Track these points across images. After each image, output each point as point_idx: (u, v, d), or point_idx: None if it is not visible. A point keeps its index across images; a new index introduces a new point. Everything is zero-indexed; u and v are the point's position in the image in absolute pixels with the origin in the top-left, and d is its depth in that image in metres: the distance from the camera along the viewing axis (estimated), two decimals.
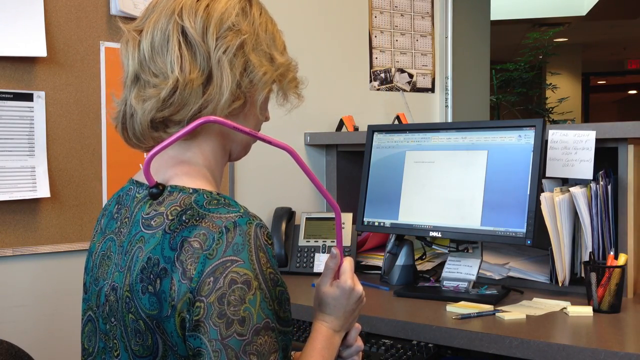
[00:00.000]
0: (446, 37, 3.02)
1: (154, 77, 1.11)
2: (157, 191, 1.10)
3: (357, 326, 1.26)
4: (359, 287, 1.21)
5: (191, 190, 1.09)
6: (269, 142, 1.11)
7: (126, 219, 1.15)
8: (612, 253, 1.76)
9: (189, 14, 1.12)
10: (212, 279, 0.99)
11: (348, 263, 1.21)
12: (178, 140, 1.12)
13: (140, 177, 1.20)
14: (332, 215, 2.37)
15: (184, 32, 1.11)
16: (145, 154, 2.23)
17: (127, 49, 1.15)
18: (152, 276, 1.04)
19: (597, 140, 1.85)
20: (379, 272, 2.20)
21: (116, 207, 1.21)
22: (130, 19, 2.10)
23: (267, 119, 1.25)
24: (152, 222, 1.08)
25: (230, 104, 1.12)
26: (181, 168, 1.14)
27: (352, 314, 1.22)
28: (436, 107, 3.01)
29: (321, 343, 1.18)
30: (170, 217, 1.06)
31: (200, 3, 1.13)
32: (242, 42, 1.13)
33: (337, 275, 1.21)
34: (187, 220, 1.04)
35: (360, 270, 2.31)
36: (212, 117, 1.08)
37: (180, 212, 1.06)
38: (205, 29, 1.11)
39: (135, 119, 1.14)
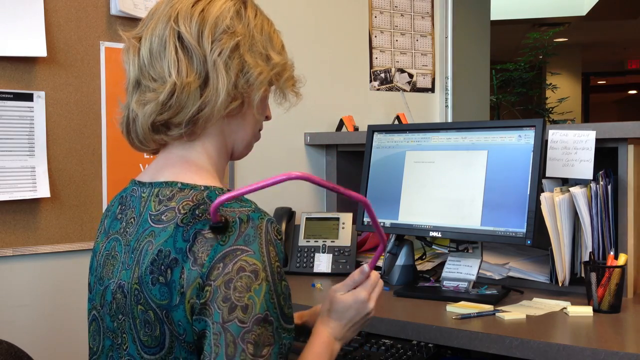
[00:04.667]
0: (446, 37, 3.02)
1: (152, 82, 1.14)
2: (221, 225, 1.05)
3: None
4: (372, 305, 1.23)
5: (203, 187, 1.12)
6: (347, 195, 1.10)
7: (132, 219, 1.17)
8: (612, 253, 1.76)
9: (184, 19, 1.15)
10: (221, 264, 1.02)
11: (375, 277, 1.23)
12: (181, 140, 1.17)
13: (142, 177, 1.23)
14: (332, 215, 2.37)
15: (180, 37, 1.14)
16: (145, 154, 2.24)
17: (128, 56, 1.19)
18: (162, 267, 1.06)
19: (597, 140, 1.85)
20: (379, 272, 2.19)
21: (119, 207, 1.23)
22: (130, 19, 2.10)
23: (267, 118, 1.28)
24: (162, 217, 1.11)
25: (227, 105, 1.15)
26: (189, 167, 1.17)
27: (354, 326, 1.23)
28: (436, 107, 3.01)
29: (321, 347, 1.19)
30: (182, 211, 1.09)
31: (195, 8, 1.16)
32: (237, 43, 1.15)
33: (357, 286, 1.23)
34: (200, 215, 1.07)
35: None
36: (299, 174, 1.02)
37: (193, 206, 1.08)
38: (200, 33, 1.14)
39: (137, 123, 1.17)
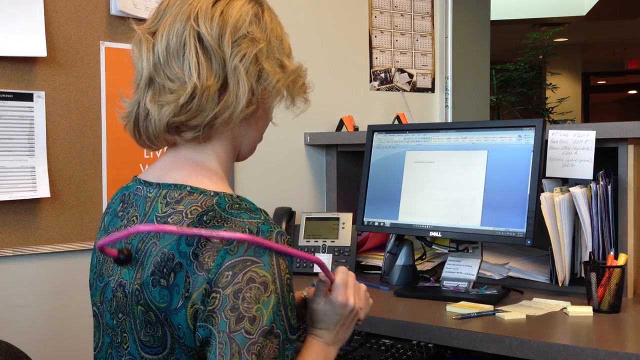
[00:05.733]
0: (446, 37, 3.02)
1: (169, 82, 1.12)
2: (124, 257, 1.10)
3: (370, 302, 1.30)
4: (351, 302, 1.20)
5: (212, 193, 1.10)
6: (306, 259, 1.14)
7: (135, 218, 1.16)
8: (612, 253, 1.76)
9: (204, 20, 1.12)
10: (230, 272, 1.01)
11: (340, 278, 1.20)
12: (190, 142, 1.16)
13: (148, 176, 1.21)
14: (332, 215, 2.37)
15: (200, 38, 1.12)
16: (145, 154, 2.24)
17: (141, 50, 1.16)
18: (165, 270, 1.05)
19: (597, 140, 1.85)
20: (379, 272, 2.20)
21: (121, 205, 1.22)
22: (130, 19, 2.10)
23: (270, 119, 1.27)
24: (169, 220, 1.10)
25: (244, 110, 1.14)
26: (199, 170, 1.16)
27: (343, 328, 1.21)
28: (436, 107, 3.01)
29: (311, 355, 1.18)
30: (189, 216, 1.08)
31: (216, 8, 1.14)
32: (259, 50, 1.14)
33: (330, 290, 1.21)
34: (208, 221, 1.06)
35: (360, 270, 2.31)
36: (247, 237, 1.03)
37: (201, 212, 1.07)
38: (221, 35, 1.13)
39: (150, 121, 1.15)
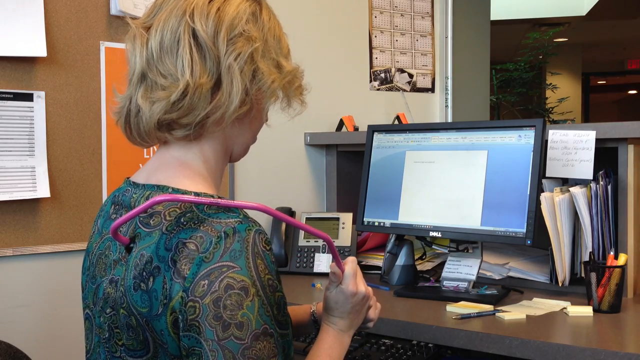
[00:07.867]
0: (446, 37, 3.02)
1: (162, 78, 1.10)
2: (132, 246, 1.10)
3: (378, 305, 1.33)
4: (362, 289, 1.23)
5: (192, 194, 1.09)
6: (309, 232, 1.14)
7: None
8: (612, 253, 1.76)
9: (200, 16, 1.11)
10: (206, 281, 0.99)
11: (350, 268, 1.22)
12: (181, 141, 1.14)
13: (137, 178, 1.20)
14: (332, 215, 2.37)
15: (194, 35, 1.10)
16: (145, 152, 2.24)
17: (134, 45, 1.15)
18: (144, 274, 1.04)
19: (597, 140, 1.85)
20: (379, 272, 2.20)
21: (113, 207, 1.22)
22: (130, 19, 2.10)
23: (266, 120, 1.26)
24: (150, 221, 1.08)
25: (237, 110, 1.12)
26: (182, 170, 1.14)
27: (356, 314, 1.24)
28: (436, 107, 3.01)
29: (328, 343, 1.19)
30: (168, 218, 1.06)
31: (212, 5, 1.12)
32: (254, 49, 1.12)
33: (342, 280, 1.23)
34: (185, 223, 1.04)
35: (360, 270, 2.31)
36: (261, 206, 1.04)
37: (179, 214, 1.06)
38: (216, 33, 1.11)
39: (141, 118, 1.13)
